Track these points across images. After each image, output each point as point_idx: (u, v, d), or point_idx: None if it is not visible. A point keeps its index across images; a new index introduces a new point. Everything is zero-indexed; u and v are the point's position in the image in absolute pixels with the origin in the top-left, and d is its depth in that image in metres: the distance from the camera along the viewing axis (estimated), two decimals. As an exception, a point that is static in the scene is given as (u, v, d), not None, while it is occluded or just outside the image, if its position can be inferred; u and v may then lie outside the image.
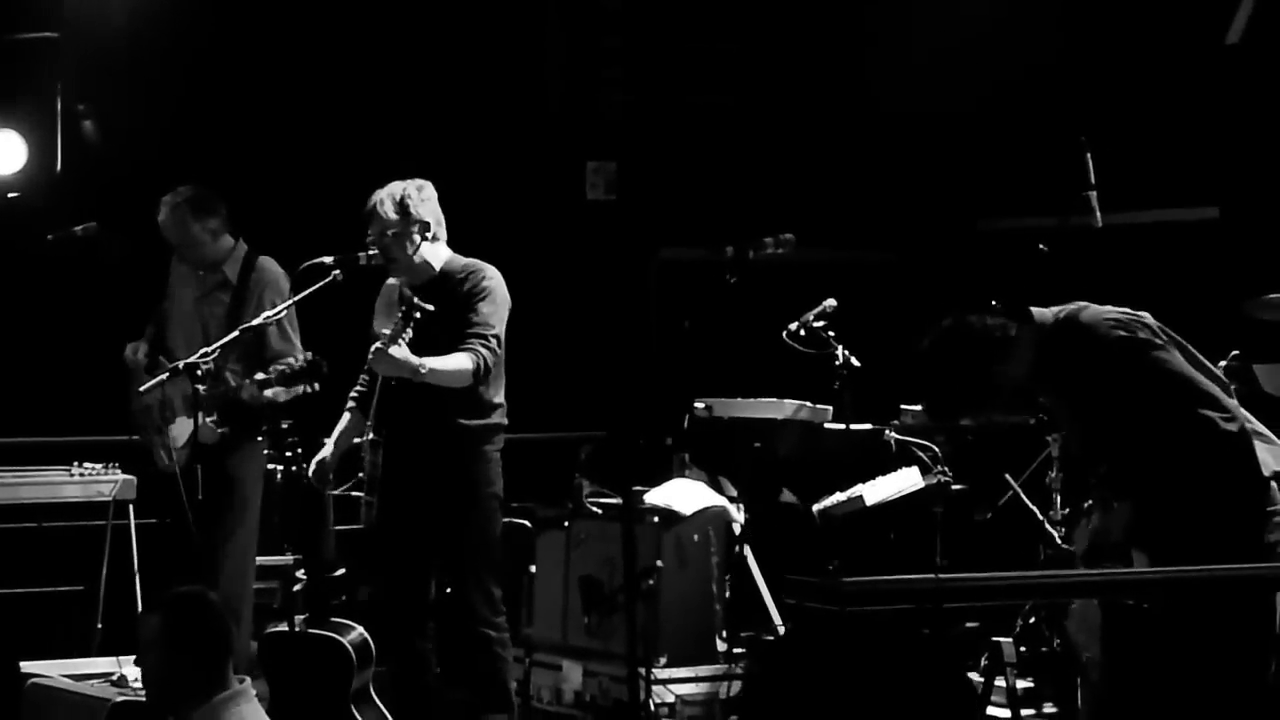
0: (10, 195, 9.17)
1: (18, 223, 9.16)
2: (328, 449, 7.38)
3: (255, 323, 7.38)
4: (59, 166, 9.24)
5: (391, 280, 7.49)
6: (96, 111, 9.71)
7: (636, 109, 11.07)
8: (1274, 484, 5.33)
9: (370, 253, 7.24)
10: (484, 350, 7.14)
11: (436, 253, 7.34)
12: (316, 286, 7.41)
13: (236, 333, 7.31)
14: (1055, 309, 5.54)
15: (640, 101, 11.08)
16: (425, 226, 7.28)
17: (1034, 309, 5.54)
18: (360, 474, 7.22)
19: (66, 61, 9.38)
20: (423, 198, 7.30)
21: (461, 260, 7.36)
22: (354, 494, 7.30)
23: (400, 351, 6.93)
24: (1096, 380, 5.39)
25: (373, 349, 7.00)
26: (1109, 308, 5.47)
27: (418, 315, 6.92)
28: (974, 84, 9.93)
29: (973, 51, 9.99)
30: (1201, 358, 5.42)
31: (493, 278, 7.30)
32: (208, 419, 7.51)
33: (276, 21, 10.31)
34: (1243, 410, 5.42)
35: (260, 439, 7.81)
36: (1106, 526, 5.53)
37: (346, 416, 7.46)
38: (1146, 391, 5.30)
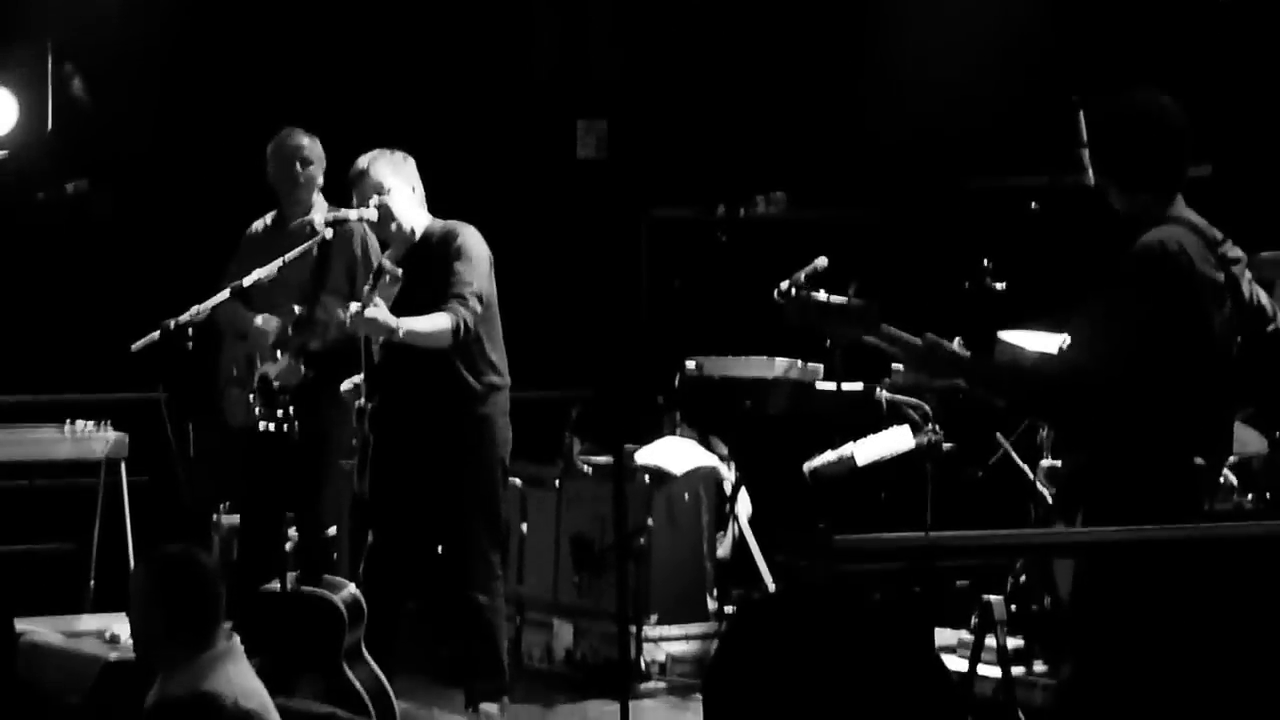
0: (0, 153, 9.16)
1: (8, 180, 9.16)
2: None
3: (247, 282, 7.29)
4: (50, 125, 9.22)
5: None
6: (85, 70, 9.69)
7: (628, 67, 11.04)
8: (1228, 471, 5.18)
9: (363, 212, 7.22)
10: (463, 309, 7.07)
11: (419, 218, 7.32)
12: (307, 246, 7.41)
13: (226, 292, 7.23)
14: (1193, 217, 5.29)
15: (631, 59, 11.04)
16: (412, 189, 7.29)
17: (1181, 210, 5.29)
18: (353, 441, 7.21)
19: (57, 20, 9.36)
20: (406, 163, 7.31)
21: (439, 224, 7.31)
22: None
23: (375, 312, 6.88)
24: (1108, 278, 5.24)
25: (350, 314, 6.95)
26: (1193, 240, 5.19)
27: (386, 279, 6.88)
28: (968, 42, 9.90)
29: (967, 11, 9.95)
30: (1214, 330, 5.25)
31: (467, 236, 7.24)
32: (293, 360, 7.52)
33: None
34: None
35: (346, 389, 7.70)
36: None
37: None
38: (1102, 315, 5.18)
